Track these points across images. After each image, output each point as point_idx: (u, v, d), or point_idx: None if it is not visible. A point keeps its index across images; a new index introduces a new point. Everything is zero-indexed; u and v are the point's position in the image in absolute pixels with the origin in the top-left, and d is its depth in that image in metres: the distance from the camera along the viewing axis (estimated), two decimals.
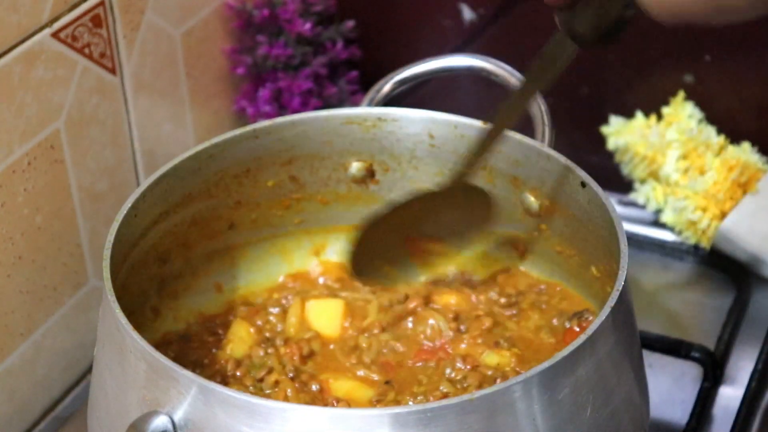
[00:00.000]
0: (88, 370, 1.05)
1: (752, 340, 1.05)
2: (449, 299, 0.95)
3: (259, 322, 0.95)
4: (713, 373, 1.01)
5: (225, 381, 0.88)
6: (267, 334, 0.93)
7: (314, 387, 0.88)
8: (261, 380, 0.88)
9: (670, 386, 1.01)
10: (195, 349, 0.92)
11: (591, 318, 0.91)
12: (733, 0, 0.67)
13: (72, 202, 1.00)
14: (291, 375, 0.89)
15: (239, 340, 0.92)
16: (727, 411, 0.98)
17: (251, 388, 0.88)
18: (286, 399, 0.86)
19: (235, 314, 0.96)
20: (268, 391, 0.87)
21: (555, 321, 0.93)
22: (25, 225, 0.96)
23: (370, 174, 0.99)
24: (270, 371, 0.88)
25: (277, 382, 0.88)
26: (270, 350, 0.91)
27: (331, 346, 0.93)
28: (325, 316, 0.95)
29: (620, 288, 0.78)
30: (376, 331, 0.93)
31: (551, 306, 0.95)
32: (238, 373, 0.89)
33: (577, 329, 0.91)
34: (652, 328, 1.03)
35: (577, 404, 0.75)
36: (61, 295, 1.01)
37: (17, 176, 0.94)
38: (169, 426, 0.72)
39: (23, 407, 1.00)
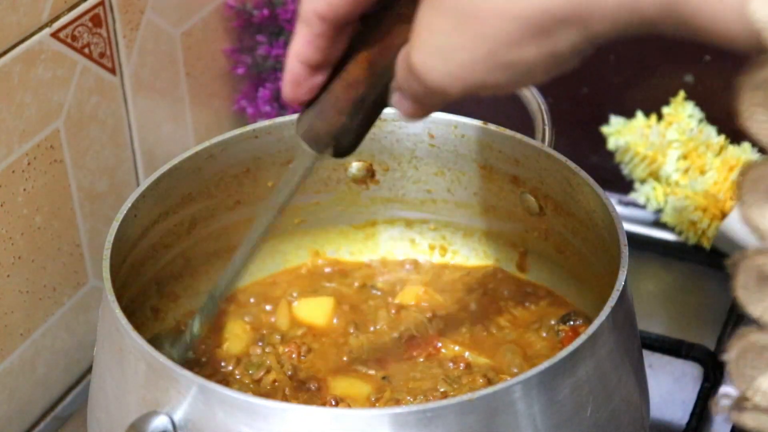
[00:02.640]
0: (88, 370, 1.05)
1: None
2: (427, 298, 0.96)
3: (249, 318, 0.95)
4: (713, 374, 1.01)
5: (224, 379, 0.88)
6: (264, 331, 0.93)
7: (312, 386, 0.88)
8: (259, 380, 0.88)
9: (670, 386, 1.01)
10: (194, 348, 0.92)
11: (578, 320, 0.91)
12: (522, 59, 0.58)
13: (71, 202, 1.00)
14: (289, 374, 0.89)
15: (235, 337, 0.92)
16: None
17: (251, 386, 0.88)
18: (284, 398, 0.86)
19: (230, 312, 0.95)
20: (267, 388, 0.87)
21: (538, 324, 0.93)
22: (25, 225, 0.96)
23: (370, 174, 0.98)
24: (268, 371, 0.88)
25: (274, 381, 0.88)
26: (268, 349, 0.91)
27: (324, 340, 0.93)
28: (315, 314, 0.95)
29: (620, 288, 0.78)
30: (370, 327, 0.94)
31: (537, 308, 0.95)
32: (237, 372, 0.89)
33: (564, 332, 0.91)
34: (652, 328, 1.03)
35: (577, 404, 0.75)
36: (61, 295, 1.01)
37: (17, 176, 0.94)
38: (169, 426, 0.72)
39: (23, 407, 1.00)
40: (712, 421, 0.98)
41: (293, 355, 0.90)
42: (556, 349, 0.88)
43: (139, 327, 0.77)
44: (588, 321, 0.92)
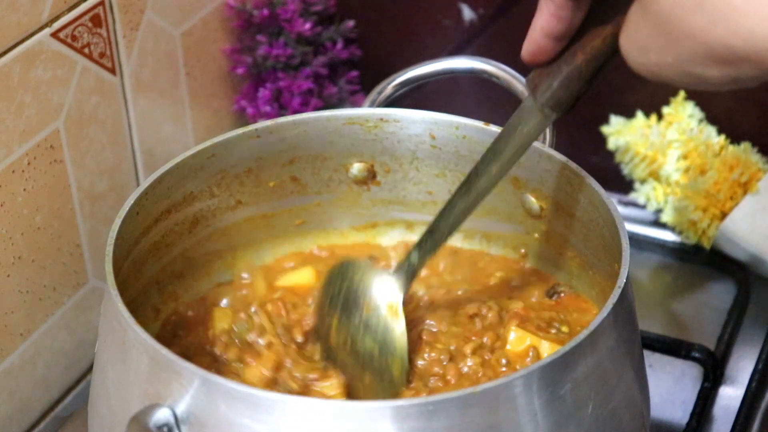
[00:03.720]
0: (89, 370, 1.05)
1: (752, 340, 1.05)
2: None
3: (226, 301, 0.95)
4: (713, 373, 1.01)
5: (214, 360, 0.88)
6: (252, 308, 0.93)
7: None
8: (251, 345, 0.88)
9: (670, 386, 1.01)
10: (185, 338, 0.92)
11: (564, 289, 0.92)
12: (705, 75, 0.66)
13: (71, 202, 1.00)
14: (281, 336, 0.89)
15: (218, 319, 0.92)
16: (728, 411, 0.99)
17: (239, 365, 0.87)
18: (278, 360, 0.86)
19: (212, 301, 0.95)
20: (253, 365, 0.87)
21: (533, 296, 0.93)
22: (25, 225, 0.96)
23: (371, 175, 0.98)
24: (262, 332, 0.88)
25: (271, 344, 0.88)
26: (254, 314, 0.91)
27: (309, 301, 0.93)
28: (301, 280, 0.96)
29: (622, 285, 0.78)
30: None
31: (523, 284, 0.95)
32: (225, 356, 0.88)
33: (556, 299, 0.92)
34: (652, 328, 1.03)
35: (579, 401, 0.75)
36: (61, 295, 1.01)
37: (17, 176, 0.94)
38: (171, 419, 0.72)
39: (23, 407, 1.00)
40: (713, 421, 0.98)
41: (282, 312, 0.91)
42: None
43: (139, 325, 0.77)
44: (573, 290, 0.93)
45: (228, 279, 0.98)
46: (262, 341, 0.88)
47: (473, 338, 0.88)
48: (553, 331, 0.89)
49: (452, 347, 0.88)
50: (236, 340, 0.89)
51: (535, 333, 0.88)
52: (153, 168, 0.99)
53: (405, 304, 0.88)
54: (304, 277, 0.96)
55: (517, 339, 0.87)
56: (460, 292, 0.95)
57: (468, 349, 0.87)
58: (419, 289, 0.95)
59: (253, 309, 0.92)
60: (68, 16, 0.96)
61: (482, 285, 0.96)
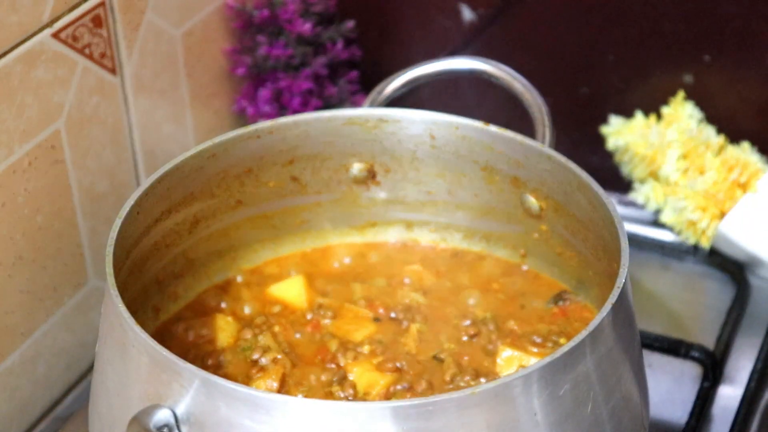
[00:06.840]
0: (89, 370, 1.05)
1: (752, 340, 1.05)
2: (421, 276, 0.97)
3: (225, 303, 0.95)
4: (713, 373, 1.01)
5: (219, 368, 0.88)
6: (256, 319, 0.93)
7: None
8: (256, 362, 0.88)
9: (669, 386, 1.01)
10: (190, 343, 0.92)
11: (571, 297, 0.91)
12: None
13: (72, 202, 1.00)
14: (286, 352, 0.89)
15: (220, 330, 0.92)
16: (727, 411, 0.99)
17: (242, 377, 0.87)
18: (285, 375, 0.86)
19: (212, 308, 0.95)
20: (259, 376, 0.87)
21: (536, 304, 0.93)
22: (26, 225, 0.96)
23: (371, 175, 0.99)
24: (267, 350, 0.88)
25: (275, 360, 0.88)
26: (259, 333, 0.91)
27: (309, 316, 0.93)
28: (291, 294, 0.95)
29: (621, 285, 0.79)
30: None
31: (525, 290, 0.95)
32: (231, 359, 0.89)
33: (561, 306, 0.92)
34: (652, 328, 1.04)
35: (578, 400, 0.75)
36: (61, 295, 1.01)
37: (18, 176, 0.94)
38: (171, 419, 0.72)
39: (23, 407, 1.00)
40: (712, 421, 0.99)
41: (290, 332, 0.91)
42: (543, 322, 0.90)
43: (140, 325, 0.77)
44: (579, 300, 0.93)
45: (227, 279, 0.98)
46: (266, 360, 0.88)
47: (465, 358, 0.89)
48: (550, 345, 0.89)
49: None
50: (242, 353, 0.89)
51: (527, 351, 0.88)
52: (153, 168, 0.99)
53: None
54: (293, 289, 0.96)
55: (507, 360, 0.87)
56: (460, 299, 0.95)
57: (447, 376, 0.87)
58: (418, 297, 0.95)
59: (258, 324, 0.92)
60: (69, 17, 0.96)
61: (485, 291, 0.95)
